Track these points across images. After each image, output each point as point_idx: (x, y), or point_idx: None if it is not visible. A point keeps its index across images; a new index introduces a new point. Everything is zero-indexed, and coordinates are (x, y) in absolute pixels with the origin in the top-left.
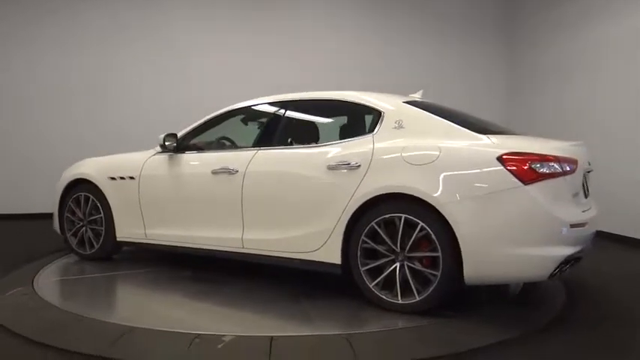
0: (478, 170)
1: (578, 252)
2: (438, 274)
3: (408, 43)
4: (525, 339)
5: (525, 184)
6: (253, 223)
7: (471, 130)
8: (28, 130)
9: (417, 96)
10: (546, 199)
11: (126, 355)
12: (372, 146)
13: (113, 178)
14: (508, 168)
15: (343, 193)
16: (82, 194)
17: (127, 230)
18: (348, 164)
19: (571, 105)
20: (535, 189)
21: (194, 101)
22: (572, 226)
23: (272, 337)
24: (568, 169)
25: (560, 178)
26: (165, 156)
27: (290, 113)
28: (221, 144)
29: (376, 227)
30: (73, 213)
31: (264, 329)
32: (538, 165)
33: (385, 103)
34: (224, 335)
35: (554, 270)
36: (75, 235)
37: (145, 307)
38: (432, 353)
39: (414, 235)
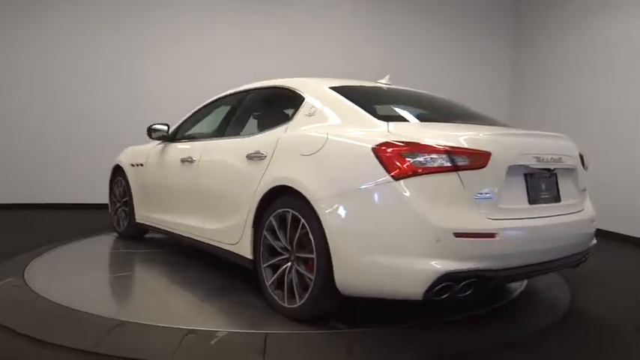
0: (353, 162)
1: (483, 270)
2: (313, 278)
3: (412, 40)
4: (523, 342)
5: (396, 180)
6: (199, 211)
7: (374, 117)
8: (28, 120)
9: (383, 81)
10: (420, 199)
11: (115, 349)
12: (280, 135)
13: (133, 165)
14: (380, 160)
15: (252, 185)
16: (118, 178)
17: (140, 213)
18: (259, 154)
19: (576, 102)
20: (407, 186)
21: (195, 91)
22: (458, 235)
23: (267, 334)
24: (464, 163)
25: (450, 174)
26: (163, 145)
27: (240, 103)
28: (206, 134)
29: (273, 222)
30: (115, 195)
31: (259, 326)
32: (414, 157)
33: (308, 90)
34: (218, 331)
35: (432, 288)
36: (115, 214)
37: (138, 301)
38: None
39: (297, 233)
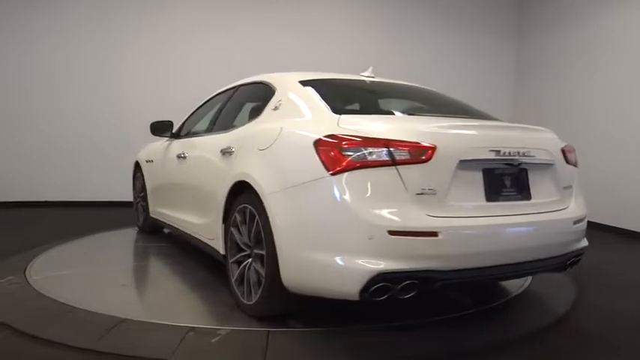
0: (297, 157)
1: (425, 271)
2: (264, 274)
3: (413, 35)
4: (523, 340)
5: (332, 175)
6: (188, 206)
7: (331, 110)
8: (31, 119)
9: (366, 73)
10: (356, 195)
11: (116, 347)
12: (248, 130)
13: (147, 161)
14: (319, 154)
15: (223, 180)
16: (138, 174)
17: (153, 208)
18: (229, 150)
19: (579, 94)
20: (343, 181)
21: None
22: (393, 233)
23: (269, 332)
24: (404, 157)
25: (389, 169)
26: (169, 142)
27: (229, 99)
28: (199, 130)
29: (237, 218)
30: (136, 190)
31: (261, 323)
32: (352, 151)
33: (279, 84)
34: (219, 329)
35: (366, 288)
36: (136, 209)
37: (139, 299)
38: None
39: (253, 229)
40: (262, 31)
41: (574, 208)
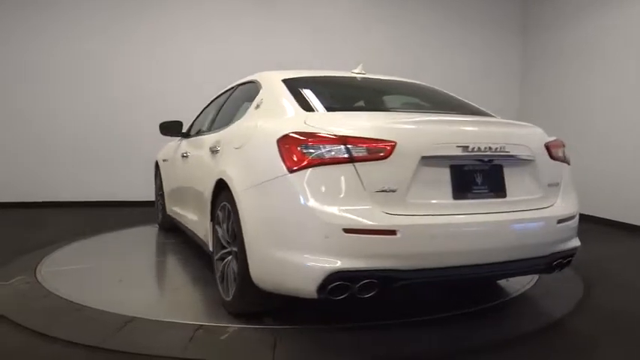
0: (263, 155)
1: (384, 270)
2: (236, 271)
3: (418, 30)
4: (523, 340)
5: (290, 172)
6: (189, 204)
7: (303, 108)
8: (44, 118)
9: (356, 70)
10: (312, 193)
11: (126, 345)
12: (232, 129)
13: (163, 160)
14: (280, 152)
15: (209, 178)
16: (158, 172)
17: (168, 206)
18: (216, 148)
19: (586, 90)
20: (300, 178)
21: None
22: (348, 231)
23: (278, 330)
24: (362, 154)
25: (346, 166)
26: (180, 141)
27: (228, 99)
28: (202, 130)
29: (220, 216)
30: (156, 188)
31: (269, 321)
32: (309, 149)
33: (264, 82)
34: (228, 327)
35: (323, 287)
36: (156, 206)
37: (149, 297)
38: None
39: (230, 225)
40: (268, 29)
41: (560, 206)
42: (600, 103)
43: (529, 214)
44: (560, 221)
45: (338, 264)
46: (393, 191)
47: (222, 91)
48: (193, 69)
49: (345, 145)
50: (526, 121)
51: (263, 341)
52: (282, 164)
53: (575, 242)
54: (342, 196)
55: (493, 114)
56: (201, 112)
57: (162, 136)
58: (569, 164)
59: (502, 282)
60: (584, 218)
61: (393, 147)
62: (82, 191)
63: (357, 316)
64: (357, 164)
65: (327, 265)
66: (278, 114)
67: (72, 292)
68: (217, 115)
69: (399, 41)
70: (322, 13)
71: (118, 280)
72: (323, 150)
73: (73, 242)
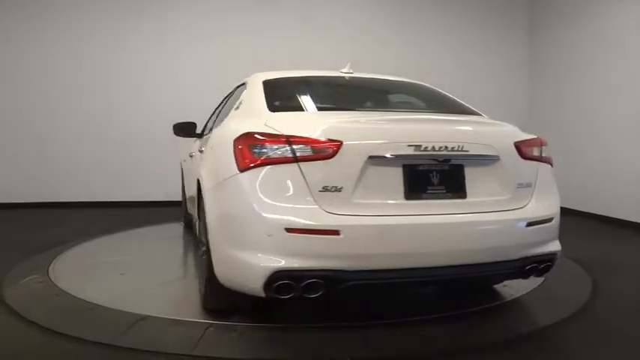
0: (224, 155)
1: (328, 270)
2: (205, 269)
3: (425, 30)
4: (523, 340)
5: (241, 172)
6: (193, 202)
7: (270, 109)
8: (44, 118)
9: (345, 70)
10: (258, 192)
11: (138, 343)
12: (216, 129)
13: (184, 160)
14: (234, 152)
15: (195, 177)
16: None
17: (187, 205)
18: (201, 149)
19: (593, 89)
20: (247, 178)
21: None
22: (290, 230)
23: (287, 327)
24: (306, 153)
25: (290, 165)
26: (195, 141)
27: (227, 100)
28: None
29: (200, 214)
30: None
31: (279, 319)
32: (257, 148)
33: (249, 84)
34: (237, 325)
35: (268, 285)
36: (183, 204)
37: (160, 295)
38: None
39: (201, 223)
40: (271, 30)
41: (533, 208)
42: (612, 97)
43: (490, 216)
44: (531, 224)
45: (282, 263)
46: (339, 191)
47: (229, 91)
48: (193, 69)
49: (290, 145)
50: (537, 119)
51: (273, 338)
52: (235, 164)
53: (554, 246)
54: (286, 195)
55: (480, 112)
56: (212, 114)
57: (163, 136)
58: (549, 164)
59: (504, 283)
60: (593, 217)
61: (339, 146)
62: (82, 191)
63: (363, 315)
64: (301, 164)
65: (271, 263)
66: (250, 115)
67: (84, 290)
68: (218, 116)
69: (403, 40)
70: (328, 17)
71: (128, 277)
72: (270, 150)
73: (83, 242)
